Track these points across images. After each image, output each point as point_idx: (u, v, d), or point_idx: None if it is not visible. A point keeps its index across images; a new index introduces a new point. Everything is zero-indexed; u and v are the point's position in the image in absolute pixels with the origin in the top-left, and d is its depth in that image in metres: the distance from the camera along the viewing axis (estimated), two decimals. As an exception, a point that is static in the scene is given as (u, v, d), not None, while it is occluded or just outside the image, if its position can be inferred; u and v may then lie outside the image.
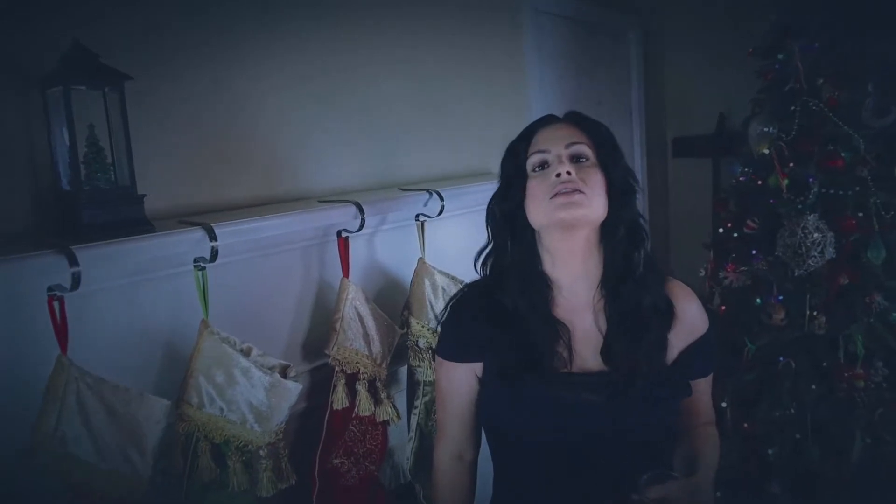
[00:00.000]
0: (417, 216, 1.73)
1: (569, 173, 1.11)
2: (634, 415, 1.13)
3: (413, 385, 1.74)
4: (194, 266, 1.27)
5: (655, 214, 3.14)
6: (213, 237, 1.24)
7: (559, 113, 1.27)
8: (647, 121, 3.08)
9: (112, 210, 1.16)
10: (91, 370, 1.14)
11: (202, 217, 1.36)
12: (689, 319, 1.19)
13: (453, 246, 1.83)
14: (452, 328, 1.26)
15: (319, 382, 1.59)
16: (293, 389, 1.32)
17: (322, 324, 1.59)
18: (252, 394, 1.30)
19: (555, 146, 1.15)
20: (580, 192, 1.10)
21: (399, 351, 1.74)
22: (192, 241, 1.23)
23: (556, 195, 1.10)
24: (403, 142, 1.93)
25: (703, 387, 1.25)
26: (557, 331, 1.16)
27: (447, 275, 1.74)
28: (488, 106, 2.23)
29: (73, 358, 1.10)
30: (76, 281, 1.06)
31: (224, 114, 1.48)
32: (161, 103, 1.36)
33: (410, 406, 1.74)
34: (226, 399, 1.29)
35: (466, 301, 1.26)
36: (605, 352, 1.16)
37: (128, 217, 1.18)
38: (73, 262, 1.06)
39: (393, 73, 1.88)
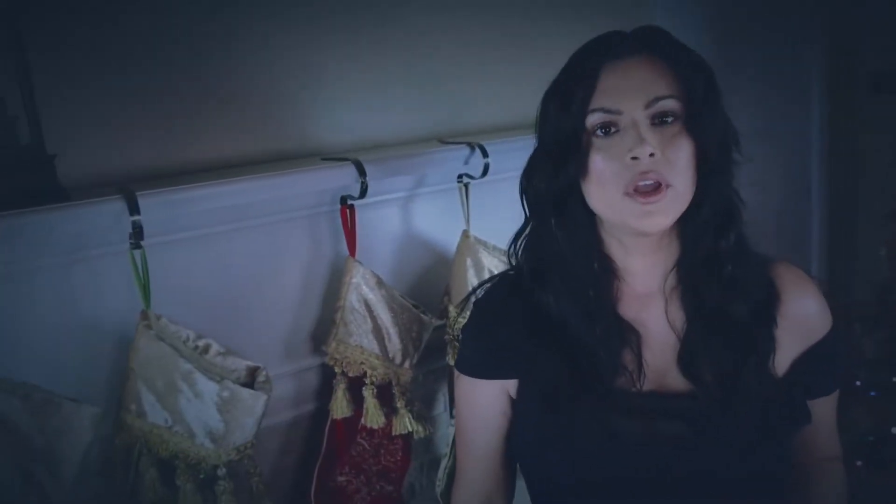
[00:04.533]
0: (460, 177, 1.36)
1: (652, 155, 0.78)
2: (733, 453, 0.83)
3: (453, 389, 1.40)
4: (130, 244, 1.02)
5: (837, 172, 2.44)
6: (134, 209, 0.98)
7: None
8: (831, 46, 2.36)
9: (7, 175, 0.94)
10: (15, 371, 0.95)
11: (171, 181, 1.10)
12: (803, 318, 0.88)
13: (512, 214, 1.44)
14: (476, 333, 0.96)
15: (331, 381, 1.30)
16: (251, 400, 1.05)
17: (337, 310, 1.30)
18: (199, 405, 1.04)
19: (631, 104, 0.80)
20: (668, 185, 0.79)
21: (439, 347, 1.41)
22: (111, 214, 0.98)
23: (633, 192, 0.79)
24: (468, 82, 1.52)
25: (824, 409, 0.93)
26: (624, 335, 0.87)
27: (499, 252, 1.36)
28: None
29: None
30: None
31: (199, 51, 1.19)
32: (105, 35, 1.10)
33: (450, 416, 1.41)
34: (168, 408, 1.04)
35: (496, 296, 0.96)
36: (685, 362, 0.86)
37: (30, 184, 0.95)
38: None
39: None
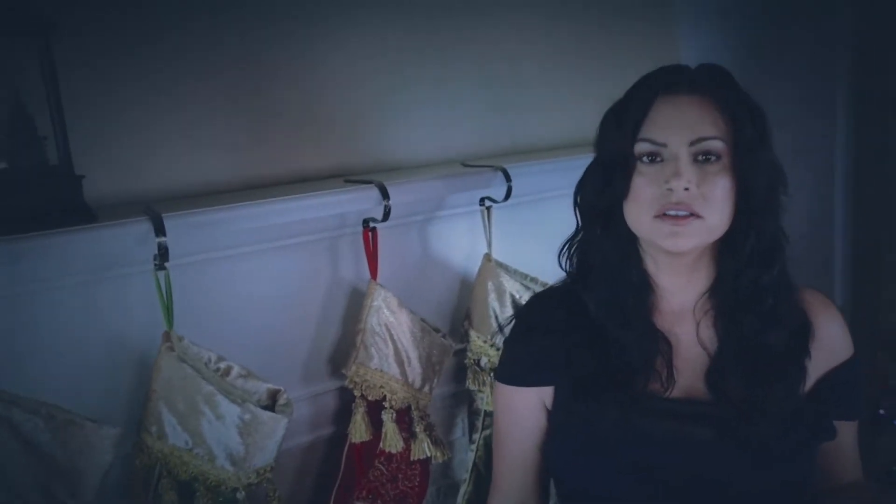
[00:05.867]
0: (483, 200, 1.36)
1: (686, 189, 0.84)
2: (758, 461, 0.87)
3: (472, 414, 1.39)
4: (154, 265, 1.03)
5: (861, 198, 2.40)
6: (160, 231, 0.98)
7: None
8: (858, 66, 2.33)
9: (35, 195, 0.95)
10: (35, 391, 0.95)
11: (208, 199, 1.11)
12: (829, 339, 0.94)
13: (534, 238, 1.43)
14: (516, 344, 1.02)
15: (348, 405, 1.29)
16: (272, 423, 1.05)
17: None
18: (220, 428, 1.04)
19: (676, 139, 0.86)
20: (696, 215, 0.85)
21: (457, 371, 1.40)
22: (137, 235, 0.98)
23: (663, 216, 0.86)
24: (492, 105, 1.51)
25: (845, 435, 0.96)
26: (657, 344, 0.92)
27: (521, 276, 1.35)
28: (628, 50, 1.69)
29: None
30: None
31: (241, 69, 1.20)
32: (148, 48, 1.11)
33: (469, 440, 1.39)
34: (189, 430, 1.04)
35: (536, 311, 1.04)
36: (713, 379, 0.91)
37: (58, 204, 0.96)
38: None
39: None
